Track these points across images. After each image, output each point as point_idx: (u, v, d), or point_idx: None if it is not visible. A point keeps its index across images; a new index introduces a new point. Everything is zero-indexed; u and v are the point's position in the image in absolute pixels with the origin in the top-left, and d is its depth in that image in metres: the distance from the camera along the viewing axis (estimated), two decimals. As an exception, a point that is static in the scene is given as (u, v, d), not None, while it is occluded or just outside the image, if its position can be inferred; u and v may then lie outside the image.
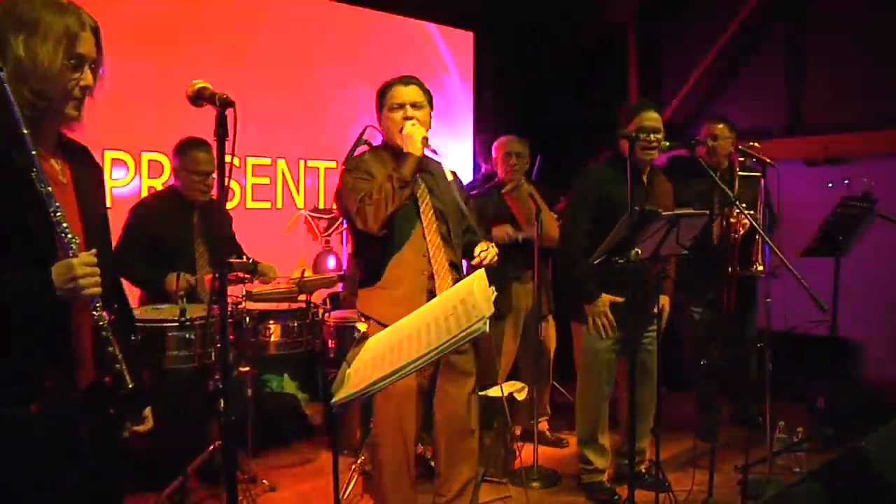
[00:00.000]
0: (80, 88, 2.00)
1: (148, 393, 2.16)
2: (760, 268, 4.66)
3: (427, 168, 3.52)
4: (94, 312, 1.94)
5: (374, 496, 3.65)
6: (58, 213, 1.89)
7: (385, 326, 3.38)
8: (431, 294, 3.35)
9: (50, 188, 1.88)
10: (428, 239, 3.42)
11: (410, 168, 3.31)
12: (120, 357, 1.98)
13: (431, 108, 3.54)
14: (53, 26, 1.93)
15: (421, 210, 3.44)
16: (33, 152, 1.86)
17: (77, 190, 2.10)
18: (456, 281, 3.40)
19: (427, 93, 3.52)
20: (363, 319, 3.50)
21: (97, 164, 2.30)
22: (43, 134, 2.02)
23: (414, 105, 3.44)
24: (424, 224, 3.42)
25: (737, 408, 5.41)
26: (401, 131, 3.39)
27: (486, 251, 3.37)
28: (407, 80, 3.49)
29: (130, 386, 2.00)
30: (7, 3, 1.96)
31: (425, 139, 3.35)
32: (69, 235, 1.90)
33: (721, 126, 5.13)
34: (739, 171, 4.92)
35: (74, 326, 2.02)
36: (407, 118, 3.40)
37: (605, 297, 4.01)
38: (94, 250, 1.95)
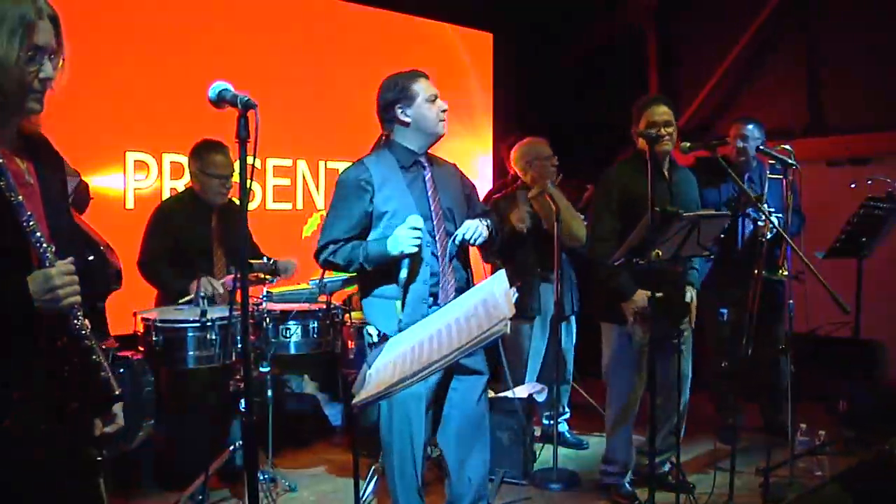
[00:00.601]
0: (40, 81, 1.87)
1: (119, 395, 2.06)
2: (785, 272, 4.63)
3: (436, 164, 3.52)
4: (76, 321, 1.88)
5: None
6: (31, 223, 1.82)
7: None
8: (434, 294, 3.35)
9: (20, 197, 1.81)
10: (437, 238, 3.39)
11: None
12: (105, 365, 1.94)
13: None
14: (7, 15, 1.80)
15: (432, 209, 3.41)
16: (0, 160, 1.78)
17: (42, 189, 1.98)
18: (461, 279, 3.41)
19: None
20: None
21: (59, 155, 2.17)
22: (4, 131, 1.91)
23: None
24: (435, 223, 3.40)
25: (764, 414, 5.36)
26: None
27: (471, 229, 3.33)
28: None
29: (118, 393, 1.97)
30: None
31: None
32: (44, 245, 1.84)
33: (751, 127, 5.12)
34: (769, 173, 4.88)
35: (46, 339, 1.93)
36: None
37: (642, 292, 3.95)
38: (70, 259, 1.88)
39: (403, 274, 3.24)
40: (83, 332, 1.90)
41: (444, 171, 3.55)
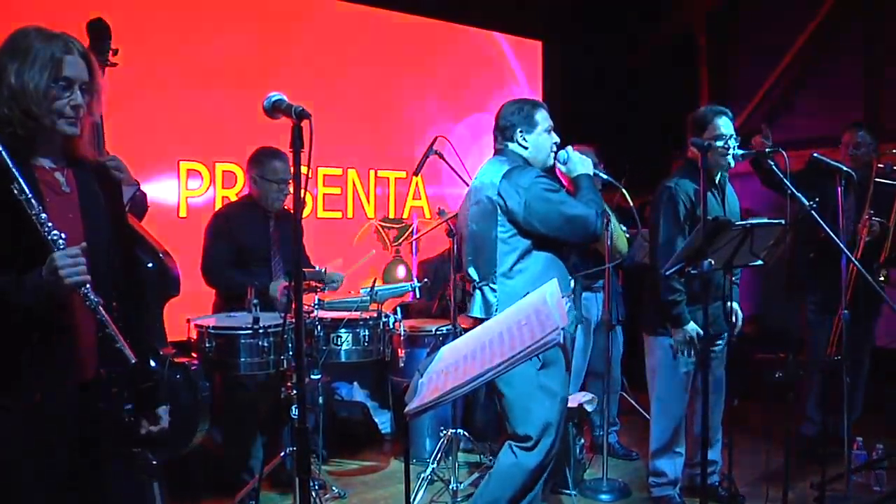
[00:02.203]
0: (72, 107, 2.16)
1: (150, 372, 2.36)
2: (882, 277, 4.56)
3: None
4: (87, 299, 2.07)
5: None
6: (41, 215, 2.04)
7: None
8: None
9: (31, 196, 2.04)
10: None
11: None
12: (119, 337, 2.12)
13: None
14: (40, 54, 2.12)
15: None
16: (11, 166, 2.03)
17: (81, 199, 2.26)
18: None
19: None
20: None
21: (113, 179, 2.47)
22: (43, 149, 2.21)
23: None
24: None
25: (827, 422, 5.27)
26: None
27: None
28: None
29: (133, 361, 2.14)
30: (9, 38, 2.17)
31: None
32: (55, 233, 2.04)
33: (862, 133, 5.07)
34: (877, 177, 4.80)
35: (75, 324, 2.18)
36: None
37: (692, 326, 3.94)
38: (82, 244, 2.08)
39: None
40: (95, 307, 2.09)
41: None
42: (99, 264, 2.20)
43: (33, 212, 2.03)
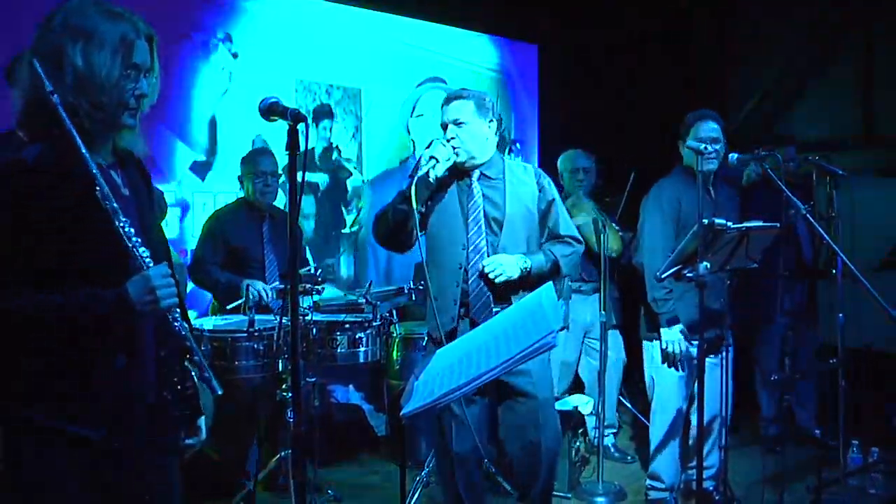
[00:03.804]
0: (136, 98, 1.95)
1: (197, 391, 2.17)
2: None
3: (490, 175, 3.51)
4: (175, 323, 1.92)
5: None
6: (126, 228, 1.86)
7: (431, 336, 3.43)
8: (464, 307, 3.38)
9: (115, 204, 1.85)
10: (470, 246, 3.41)
11: (409, 187, 3.31)
12: (206, 364, 1.98)
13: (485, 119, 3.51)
14: (109, 35, 1.87)
15: (470, 219, 3.44)
16: (95, 170, 1.83)
17: (136, 200, 2.06)
18: (494, 293, 3.39)
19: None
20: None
21: (147, 171, 2.24)
22: (101, 145, 1.99)
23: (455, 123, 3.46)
24: (470, 233, 3.42)
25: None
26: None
27: (494, 266, 3.32)
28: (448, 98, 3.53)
29: (220, 393, 2.00)
30: (60, 12, 1.90)
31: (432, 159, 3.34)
32: (141, 249, 1.88)
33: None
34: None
35: (142, 347, 2.00)
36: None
37: (678, 329, 3.94)
38: (165, 262, 1.94)
39: None
40: (183, 332, 1.94)
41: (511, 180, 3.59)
42: None
43: (120, 223, 1.84)
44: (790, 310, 5.11)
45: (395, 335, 4.82)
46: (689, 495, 4.23)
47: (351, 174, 6.10)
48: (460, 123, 3.42)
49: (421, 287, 4.92)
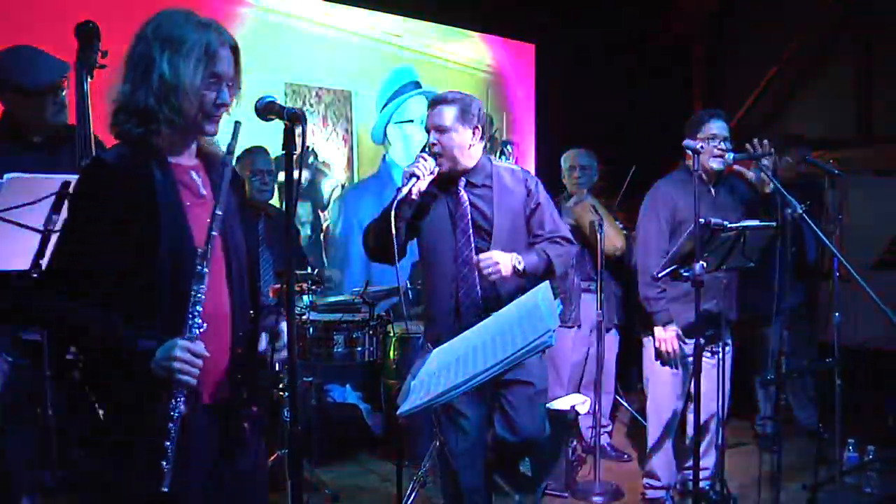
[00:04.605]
0: (216, 105, 2.02)
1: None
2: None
3: (476, 183, 3.44)
4: (171, 400, 1.88)
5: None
6: (199, 294, 1.90)
7: (427, 342, 3.41)
8: (457, 312, 3.34)
9: (206, 269, 1.91)
10: (460, 258, 3.37)
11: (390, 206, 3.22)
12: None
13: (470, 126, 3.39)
14: (194, 44, 1.95)
15: (458, 228, 3.39)
16: (200, 250, 1.92)
17: (216, 200, 2.04)
18: (488, 299, 3.35)
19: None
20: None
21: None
22: (183, 148, 2.06)
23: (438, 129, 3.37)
24: (459, 243, 3.38)
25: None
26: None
27: (489, 264, 3.23)
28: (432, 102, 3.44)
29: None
30: (152, 21, 1.99)
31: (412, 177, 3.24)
32: (197, 320, 1.89)
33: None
34: None
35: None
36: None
37: (672, 328, 3.95)
38: (202, 345, 1.91)
39: None
40: (173, 413, 1.88)
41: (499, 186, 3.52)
42: (235, 290, 2.06)
43: (193, 288, 1.89)
44: (789, 309, 5.11)
45: (391, 334, 4.82)
46: (686, 494, 4.24)
47: (326, 176, 6.05)
48: (443, 130, 3.33)
49: (419, 287, 4.94)
